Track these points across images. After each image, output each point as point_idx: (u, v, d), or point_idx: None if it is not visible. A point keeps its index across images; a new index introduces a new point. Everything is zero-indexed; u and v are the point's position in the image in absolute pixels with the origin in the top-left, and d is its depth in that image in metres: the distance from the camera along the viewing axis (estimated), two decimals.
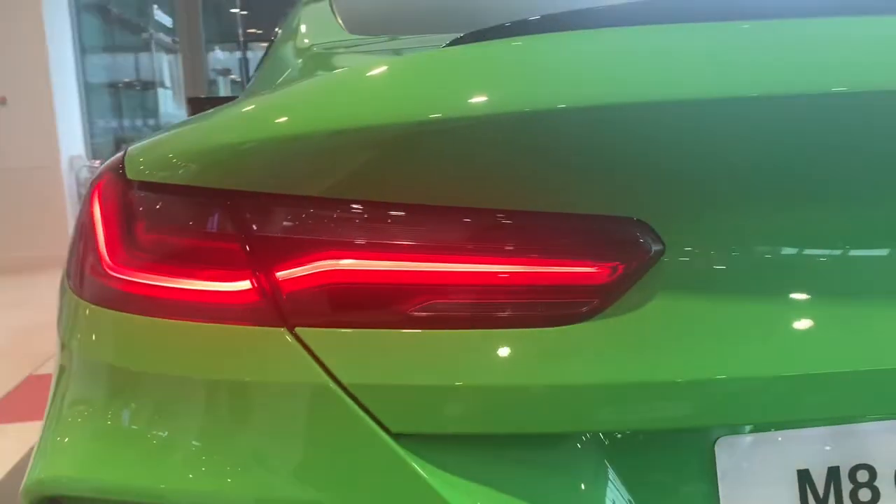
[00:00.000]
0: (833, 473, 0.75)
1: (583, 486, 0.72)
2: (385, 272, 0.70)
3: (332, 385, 0.68)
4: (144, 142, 0.85)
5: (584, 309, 0.69)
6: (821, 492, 0.75)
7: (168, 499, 0.70)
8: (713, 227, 0.70)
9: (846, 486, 0.75)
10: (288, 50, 1.36)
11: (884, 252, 0.71)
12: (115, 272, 0.79)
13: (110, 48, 9.15)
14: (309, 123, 0.70)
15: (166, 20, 10.39)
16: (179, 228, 0.76)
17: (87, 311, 0.81)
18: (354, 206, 0.71)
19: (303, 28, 1.43)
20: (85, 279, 0.83)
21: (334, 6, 1.49)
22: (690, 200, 0.69)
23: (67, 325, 0.84)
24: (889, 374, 0.69)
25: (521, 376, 0.68)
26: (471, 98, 0.67)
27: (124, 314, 0.77)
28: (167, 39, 10.31)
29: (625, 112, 0.66)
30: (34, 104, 6.48)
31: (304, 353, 0.69)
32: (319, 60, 1.20)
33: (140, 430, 0.74)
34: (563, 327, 0.69)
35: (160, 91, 10.37)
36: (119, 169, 0.83)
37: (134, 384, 0.76)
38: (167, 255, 0.76)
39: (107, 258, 0.80)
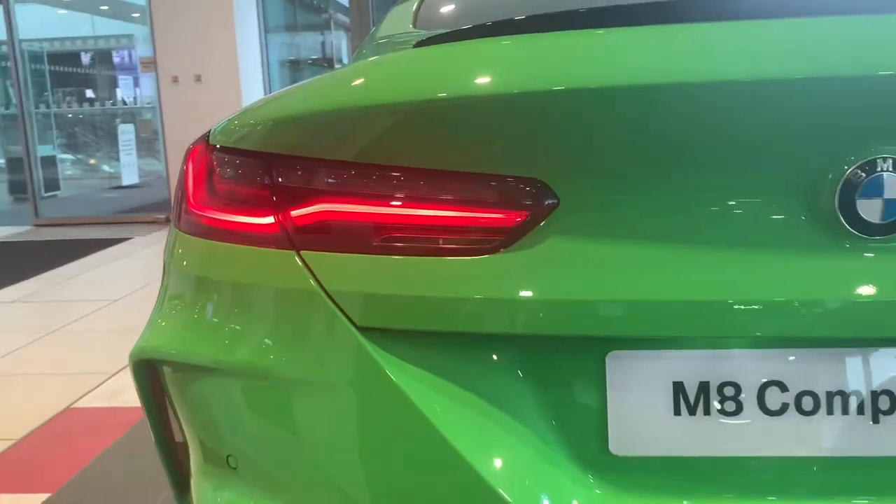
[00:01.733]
0: (703, 387, 0.94)
1: (501, 379, 0.96)
2: (362, 213, 0.98)
3: (320, 290, 0.97)
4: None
5: (497, 244, 0.93)
6: (692, 401, 0.94)
7: (215, 361, 1.03)
8: (599, 187, 0.91)
9: (714, 399, 0.94)
10: (367, 39, 1.65)
11: (738, 207, 0.89)
12: (195, 210, 1.12)
13: (292, 28, 9.97)
14: (311, 107, 0.98)
15: (345, 0, 11.11)
16: (233, 179, 1.07)
17: (179, 238, 1.15)
18: (344, 165, 0.98)
19: (384, 21, 1.72)
20: (180, 216, 1.17)
21: (421, 4, 1.76)
22: (580, 166, 0.91)
23: (168, 248, 1.19)
24: (771, 304, 0.87)
25: (452, 290, 0.93)
26: (423, 92, 0.92)
27: (199, 239, 1.10)
28: (345, 19, 11.03)
29: (533, 103, 0.89)
30: (223, 81, 7.29)
31: (304, 268, 0.98)
32: (374, 49, 1.48)
33: (202, 317, 1.07)
34: (483, 257, 0.93)
35: (337, 67, 11.14)
36: (206, 137, 1.15)
37: (201, 287, 1.09)
38: (226, 198, 1.08)
39: (192, 200, 1.13)
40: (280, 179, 1.02)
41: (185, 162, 1.18)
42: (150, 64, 7.76)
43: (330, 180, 0.99)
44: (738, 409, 0.94)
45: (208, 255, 1.09)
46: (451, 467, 0.91)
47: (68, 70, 14.99)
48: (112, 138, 11.17)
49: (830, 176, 0.86)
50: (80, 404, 3.18)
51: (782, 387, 0.93)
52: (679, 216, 0.91)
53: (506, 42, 0.96)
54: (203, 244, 1.10)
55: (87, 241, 7.00)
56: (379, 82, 0.97)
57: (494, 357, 0.96)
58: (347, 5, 10.82)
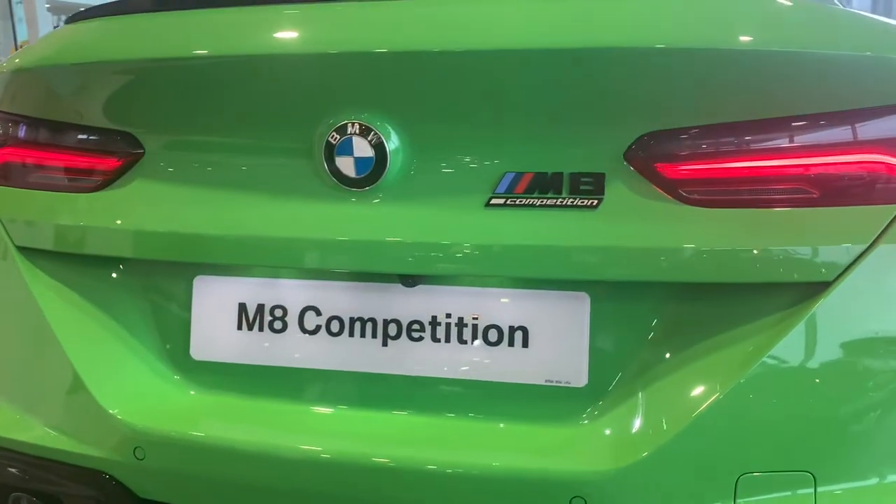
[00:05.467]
0: (260, 308, 1.15)
1: (115, 293, 1.20)
2: (23, 157, 1.24)
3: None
4: None
5: (100, 184, 1.17)
6: (251, 318, 1.15)
7: None
8: (175, 142, 1.13)
9: (266, 317, 1.15)
10: None
11: (273, 163, 1.09)
12: None
13: None
14: (5, 69, 1.25)
15: None
16: None
17: None
18: (17, 119, 1.24)
19: None
20: None
21: None
22: (160, 124, 1.13)
23: None
24: (294, 241, 1.07)
25: (71, 219, 1.17)
26: (51, 60, 1.17)
27: None
28: None
29: (121, 72, 1.12)
30: None
31: None
32: None
33: None
34: (91, 194, 1.17)
35: None
36: None
37: None
38: None
39: None
40: None
41: None
42: None
43: (10, 131, 1.26)
44: (284, 328, 1.14)
45: None
46: (55, 359, 1.16)
47: None
48: None
49: (318, 138, 1.04)
50: None
51: (317, 311, 1.13)
52: (236, 170, 1.12)
53: (111, 22, 1.19)
54: None
55: None
56: (37, 52, 1.22)
57: (111, 274, 1.21)
58: None
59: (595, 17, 0.97)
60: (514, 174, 1.01)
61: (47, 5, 8.80)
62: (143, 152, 1.15)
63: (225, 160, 1.12)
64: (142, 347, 1.20)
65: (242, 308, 1.16)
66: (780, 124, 0.95)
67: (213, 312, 1.17)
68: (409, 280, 1.06)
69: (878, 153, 0.95)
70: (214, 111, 1.10)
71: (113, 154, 1.17)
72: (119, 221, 1.15)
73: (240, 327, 1.16)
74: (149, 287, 1.20)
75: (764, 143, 0.96)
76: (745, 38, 0.94)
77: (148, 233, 1.14)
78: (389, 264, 1.04)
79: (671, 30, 0.95)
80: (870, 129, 0.96)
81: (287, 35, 1.05)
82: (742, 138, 0.96)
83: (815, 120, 0.95)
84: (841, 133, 0.96)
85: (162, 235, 1.13)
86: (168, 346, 1.19)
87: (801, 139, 0.96)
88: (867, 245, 0.94)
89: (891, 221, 0.95)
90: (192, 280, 1.17)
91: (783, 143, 0.96)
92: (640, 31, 0.95)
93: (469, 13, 1.00)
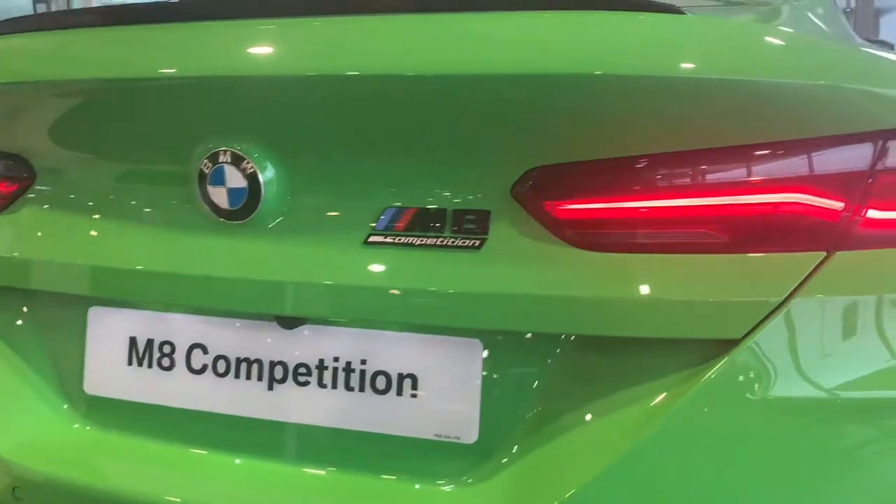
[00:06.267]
0: (150, 343, 1.08)
1: (14, 323, 1.16)
2: None
3: None
4: None
5: None
6: (140, 354, 1.09)
7: None
8: (65, 167, 1.09)
9: (155, 353, 1.08)
10: None
11: (156, 193, 1.04)
12: None
13: None
14: None
15: None
16: None
17: None
18: None
19: None
20: None
21: None
22: (50, 149, 1.08)
23: None
24: (172, 276, 1.00)
25: None
26: None
27: None
28: None
29: (14, 90, 1.06)
30: None
31: None
32: None
33: None
34: None
35: None
36: None
37: None
38: None
39: None
40: None
41: None
42: None
43: None
44: (172, 365, 1.07)
45: None
46: None
47: None
48: None
49: (193, 167, 0.97)
50: None
51: (204, 349, 1.06)
52: (122, 198, 1.06)
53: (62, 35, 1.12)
54: None
55: None
56: None
57: (8, 303, 1.16)
58: None
59: (478, 41, 0.87)
60: (395, 209, 0.92)
61: None
62: (34, 177, 1.10)
63: (111, 188, 1.07)
64: (38, 380, 1.14)
65: (133, 342, 1.09)
66: (684, 159, 0.84)
67: (107, 345, 1.11)
68: (287, 321, 0.98)
69: (798, 192, 0.83)
70: (100, 136, 1.04)
71: (4, 178, 1.12)
72: (9, 249, 1.11)
73: (130, 362, 1.10)
74: (46, 317, 1.15)
75: (665, 181, 0.85)
76: (644, 63, 0.83)
77: (35, 262, 1.09)
78: (263, 304, 0.96)
79: (561, 53, 0.84)
80: (789, 165, 0.84)
81: (165, 57, 0.98)
82: (641, 174, 0.85)
83: (726, 154, 0.83)
84: (755, 169, 0.84)
85: (48, 265, 1.08)
86: (63, 380, 1.14)
87: (709, 176, 0.84)
88: (782, 298, 0.82)
89: (812, 271, 0.83)
90: (86, 311, 1.12)
91: (687, 180, 0.85)
92: (526, 55, 0.85)
93: (344, 36, 0.91)
